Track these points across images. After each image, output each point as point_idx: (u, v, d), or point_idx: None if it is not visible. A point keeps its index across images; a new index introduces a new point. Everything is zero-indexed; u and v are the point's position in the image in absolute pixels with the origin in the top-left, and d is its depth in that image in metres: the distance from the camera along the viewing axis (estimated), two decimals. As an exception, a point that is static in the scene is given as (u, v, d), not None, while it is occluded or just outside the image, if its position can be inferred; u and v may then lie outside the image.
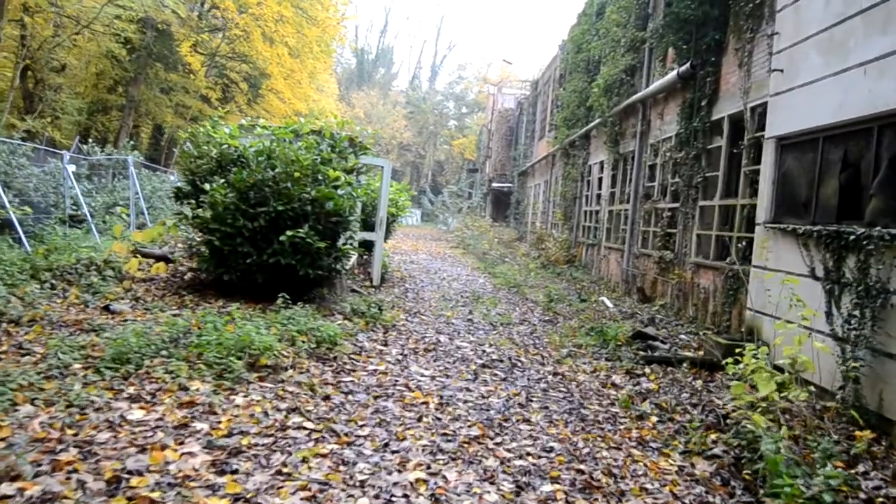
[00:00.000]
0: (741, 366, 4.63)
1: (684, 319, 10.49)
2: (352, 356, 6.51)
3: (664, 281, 11.86)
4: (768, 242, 7.44)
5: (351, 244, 10.79)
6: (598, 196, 17.58)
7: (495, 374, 6.46)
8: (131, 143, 24.83)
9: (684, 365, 7.16)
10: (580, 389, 6.26)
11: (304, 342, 6.36)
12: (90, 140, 22.20)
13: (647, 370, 7.15)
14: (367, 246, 13.01)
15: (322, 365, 6.04)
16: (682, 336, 9.06)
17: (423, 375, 6.12)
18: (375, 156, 12.44)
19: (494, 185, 41.01)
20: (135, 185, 18.41)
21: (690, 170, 10.90)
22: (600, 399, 6.00)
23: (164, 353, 5.54)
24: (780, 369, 5.68)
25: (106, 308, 7.34)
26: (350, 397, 5.22)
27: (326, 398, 5.12)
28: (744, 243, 9.02)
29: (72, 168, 15.03)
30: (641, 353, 7.96)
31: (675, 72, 11.38)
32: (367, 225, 12.80)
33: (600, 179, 17.52)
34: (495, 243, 25.43)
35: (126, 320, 6.81)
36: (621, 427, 5.18)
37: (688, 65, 10.86)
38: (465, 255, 23.38)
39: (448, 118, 73.17)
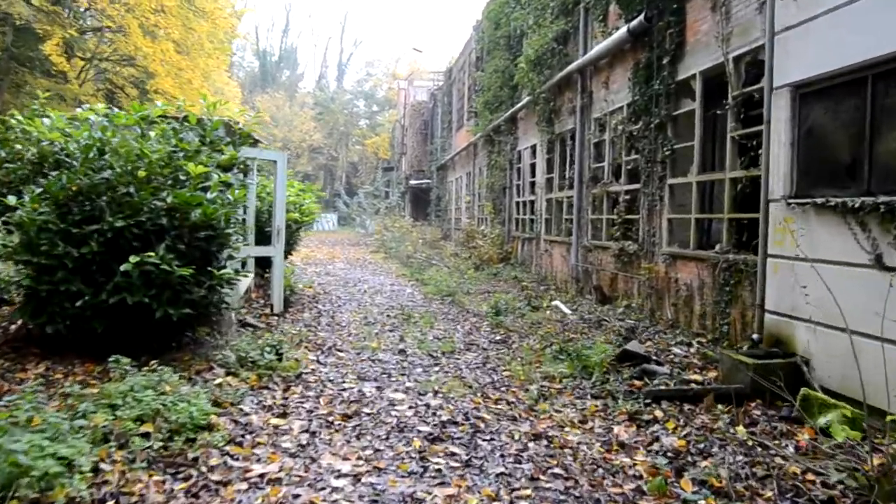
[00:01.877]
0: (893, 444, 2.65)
1: (662, 324, 8.64)
2: (227, 449, 4.14)
3: (628, 277, 10.02)
4: (793, 223, 5.60)
5: (242, 265, 8.39)
6: (533, 184, 15.70)
7: (452, 455, 4.25)
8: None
9: (707, 400, 5.22)
10: (581, 464, 4.16)
11: (144, 437, 3.95)
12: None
13: (658, 412, 5.16)
14: (266, 263, 10.53)
15: (171, 480, 3.65)
16: (675, 350, 7.16)
17: (340, 475, 3.84)
18: (266, 147, 9.98)
19: (412, 182, 38.82)
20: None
21: (653, 143, 9.07)
22: (616, 480, 3.92)
23: None
24: (837, 397, 3.80)
25: None
26: (207, 559, 2.90)
27: (159, 571, 2.78)
28: (737, 225, 7.26)
29: None
30: (637, 381, 5.99)
31: (623, 29, 9.54)
32: (266, 237, 10.32)
33: (533, 165, 15.64)
34: (419, 244, 23.19)
35: None
36: (677, 549, 3.11)
37: (640, 17, 9.02)
38: (387, 260, 21.07)
39: (359, 117, 70.20)
